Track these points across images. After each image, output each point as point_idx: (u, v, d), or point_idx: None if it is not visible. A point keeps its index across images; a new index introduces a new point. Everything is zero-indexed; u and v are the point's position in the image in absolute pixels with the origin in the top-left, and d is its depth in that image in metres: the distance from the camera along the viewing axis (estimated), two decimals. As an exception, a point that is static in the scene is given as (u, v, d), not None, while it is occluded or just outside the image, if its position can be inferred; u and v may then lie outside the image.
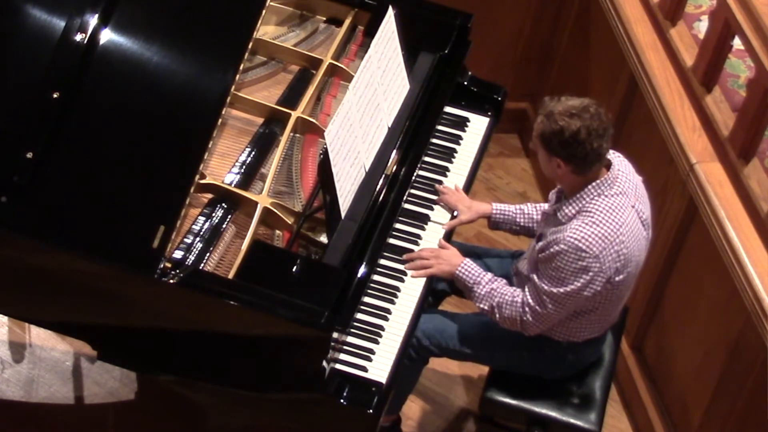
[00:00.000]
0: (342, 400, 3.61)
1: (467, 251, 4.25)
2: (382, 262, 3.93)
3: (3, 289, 3.82)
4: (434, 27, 4.34)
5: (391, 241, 3.99)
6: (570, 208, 3.79)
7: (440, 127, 4.32)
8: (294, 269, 3.64)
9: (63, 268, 3.66)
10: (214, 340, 3.67)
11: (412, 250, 3.99)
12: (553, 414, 4.08)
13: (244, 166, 3.95)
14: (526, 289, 3.86)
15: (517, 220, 4.16)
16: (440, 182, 4.19)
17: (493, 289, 3.92)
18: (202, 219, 3.80)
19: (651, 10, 4.68)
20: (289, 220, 3.86)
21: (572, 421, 4.08)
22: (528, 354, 4.05)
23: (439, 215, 4.12)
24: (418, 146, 4.14)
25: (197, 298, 3.58)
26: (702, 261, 4.30)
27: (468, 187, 4.23)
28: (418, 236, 4.04)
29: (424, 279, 3.94)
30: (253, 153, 3.99)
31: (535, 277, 3.83)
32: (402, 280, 3.92)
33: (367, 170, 3.97)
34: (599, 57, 5.10)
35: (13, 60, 3.72)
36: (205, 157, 3.75)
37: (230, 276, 3.64)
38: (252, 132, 4.06)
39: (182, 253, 3.70)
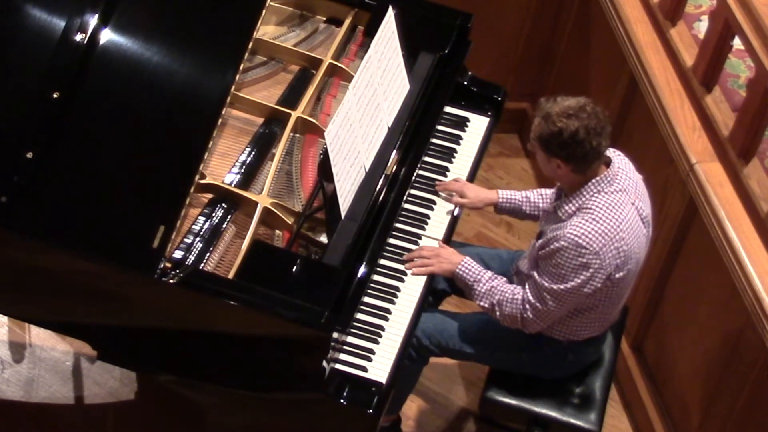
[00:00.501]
0: (342, 400, 3.61)
1: (468, 251, 4.25)
2: (382, 262, 3.93)
3: (3, 289, 3.82)
4: (434, 27, 4.34)
5: (391, 241, 3.99)
6: (570, 205, 3.79)
7: (440, 127, 4.32)
8: (294, 269, 3.64)
9: (63, 268, 3.66)
10: (214, 340, 3.67)
11: (412, 251, 3.99)
12: (553, 414, 4.08)
13: (244, 166, 3.95)
14: (527, 286, 3.87)
15: (523, 208, 4.18)
16: (440, 182, 4.20)
17: (494, 287, 3.92)
18: (202, 219, 3.80)
19: (651, 10, 4.68)
20: (289, 220, 3.86)
21: (572, 421, 4.08)
22: (528, 354, 4.05)
23: (439, 215, 4.12)
24: (418, 146, 4.14)
25: (197, 298, 3.58)
26: (702, 261, 4.30)
27: (468, 187, 4.24)
28: (418, 236, 4.04)
29: (424, 279, 3.94)
30: (253, 153, 3.99)
31: (535, 273, 3.83)
32: (402, 280, 3.92)
33: (367, 170, 3.97)
34: (599, 57, 5.10)
35: (13, 60, 3.72)
36: (205, 157, 3.75)
37: (230, 276, 3.64)
38: (252, 132, 4.06)
39: (182, 253, 3.70)
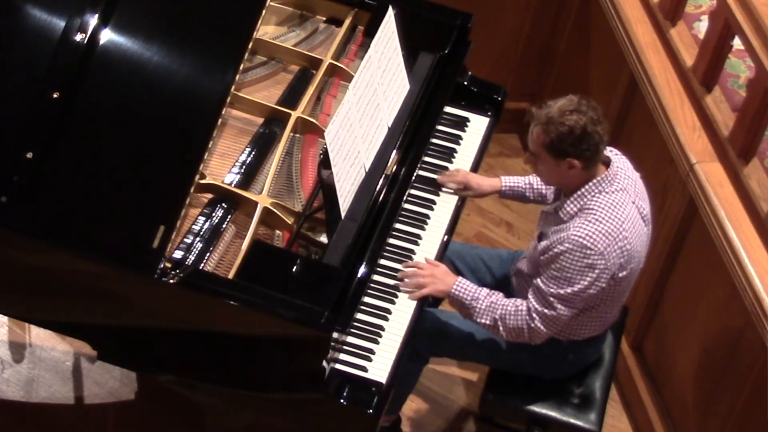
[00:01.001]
0: (342, 400, 3.61)
1: (467, 251, 4.26)
2: (382, 262, 3.93)
3: (3, 289, 3.82)
4: (434, 27, 4.34)
5: (391, 241, 3.99)
6: (571, 206, 3.79)
7: (440, 127, 4.32)
8: (294, 269, 3.64)
9: (63, 268, 3.66)
10: (214, 340, 3.67)
11: (412, 250, 3.99)
12: (553, 414, 4.08)
13: (244, 166, 3.95)
14: (530, 296, 3.84)
15: (526, 194, 4.20)
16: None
17: (494, 302, 3.89)
18: (202, 219, 3.80)
19: (651, 10, 4.68)
20: (289, 220, 3.86)
21: (572, 421, 4.08)
22: (528, 354, 4.05)
23: (440, 215, 4.12)
24: (418, 146, 4.14)
25: (197, 298, 3.58)
26: (702, 261, 4.30)
27: (468, 187, 4.24)
28: (418, 236, 4.04)
29: (424, 279, 3.94)
30: (253, 153, 3.99)
31: (539, 280, 3.81)
32: (402, 280, 3.92)
33: (367, 170, 3.97)
34: (599, 57, 5.10)
35: (13, 60, 3.72)
36: (205, 157, 3.75)
37: (230, 276, 3.64)
38: (252, 132, 4.06)
39: (182, 253, 3.70)
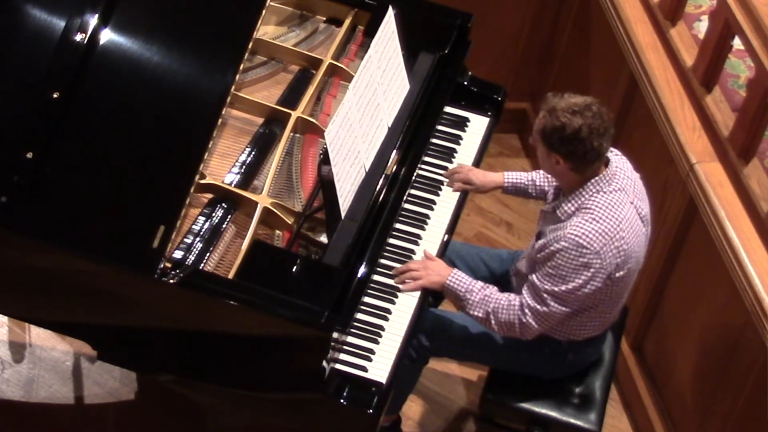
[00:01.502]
0: (342, 400, 3.61)
1: (467, 251, 4.26)
2: (382, 262, 3.93)
3: (3, 289, 3.82)
4: (434, 27, 4.34)
5: (391, 241, 3.99)
6: (569, 205, 3.79)
7: (440, 127, 4.32)
8: (294, 269, 3.64)
9: (63, 268, 3.66)
10: (214, 340, 3.67)
11: (412, 250, 3.99)
12: (553, 414, 4.08)
13: (244, 166, 3.95)
14: (524, 291, 3.85)
15: (529, 190, 4.21)
16: (441, 182, 4.19)
17: (487, 296, 3.90)
18: (202, 219, 3.80)
19: (651, 10, 4.68)
20: (289, 220, 3.86)
21: (572, 421, 4.08)
22: (528, 354, 4.05)
23: (440, 215, 4.12)
24: (418, 146, 4.14)
25: (197, 298, 3.58)
26: (702, 261, 4.30)
27: (468, 187, 4.24)
28: (418, 236, 4.04)
29: (424, 279, 3.94)
30: (253, 153, 3.99)
31: (534, 277, 3.82)
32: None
33: (367, 170, 3.97)
34: (599, 57, 5.10)
35: (13, 60, 3.72)
36: (205, 157, 3.75)
37: (230, 276, 3.64)
38: (252, 132, 4.06)
39: (182, 253, 3.70)
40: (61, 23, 3.73)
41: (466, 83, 4.41)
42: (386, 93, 4.07)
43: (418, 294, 3.90)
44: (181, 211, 3.65)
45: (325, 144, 3.75)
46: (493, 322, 3.88)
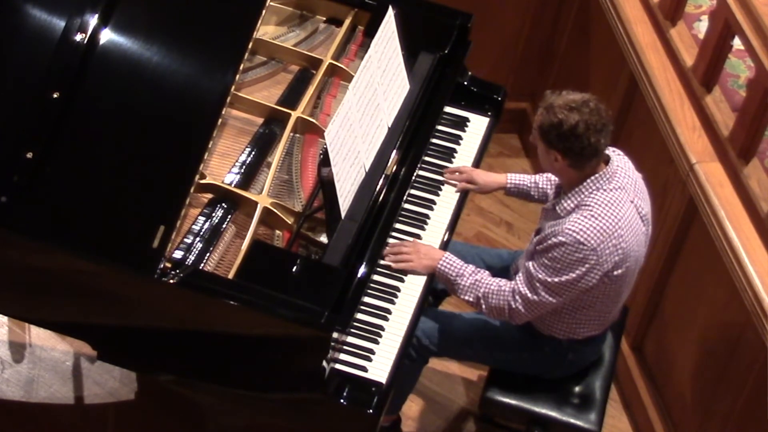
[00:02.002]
0: (342, 400, 3.61)
1: (467, 251, 4.26)
2: (382, 262, 3.93)
3: (3, 289, 3.82)
4: (434, 27, 4.34)
5: (392, 241, 3.99)
6: (569, 202, 3.80)
7: (440, 127, 4.32)
8: (294, 269, 3.64)
9: (63, 268, 3.66)
10: (214, 340, 3.67)
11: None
12: (553, 414, 4.08)
13: (244, 166, 3.95)
14: (518, 277, 3.86)
15: (531, 193, 4.21)
16: (441, 182, 4.19)
17: (478, 280, 3.91)
18: (202, 219, 3.80)
19: (651, 10, 4.68)
20: (289, 220, 3.86)
21: (572, 421, 4.08)
22: (528, 354, 4.05)
23: (440, 215, 4.12)
24: (418, 146, 4.14)
25: (197, 298, 3.58)
26: (702, 261, 4.30)
27: (468, 187, 4.24)
28: (418, 236, 4.04)
29: (424, 278, 3.93)
30: (253, 153, 3.99)
31: (529, 264, 3.82)
32: (402, 280, 3.92)
33: (367, 170, 3.97)
34: (599, 57, 5.10)
35: (13, 60, 3.72)
36: (205, 157, 3.75)
37: (230, 276, 3.64)
38: (252, 132, 4.06)
39: (182, 253, 3.71)
40: (61, 23, 3.73)
41: (466, 83, 4.41)
42: (386, 93, 4.07)
43: (418, 294, 3.90)
44: (181, 211, 3.65)
45: (325, 144, 3.75)
46: (483, 306, 3.89)
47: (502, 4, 5.24)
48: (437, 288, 4.25)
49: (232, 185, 3.88)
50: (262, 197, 3.83)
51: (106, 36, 3.76)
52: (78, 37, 3.72)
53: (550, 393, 4.10)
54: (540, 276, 3.79)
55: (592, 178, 3.77)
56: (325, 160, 3.76)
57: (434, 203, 4.14)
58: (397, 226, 4.04)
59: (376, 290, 3.87)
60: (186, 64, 3.79)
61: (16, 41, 3.72)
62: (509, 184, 4.21)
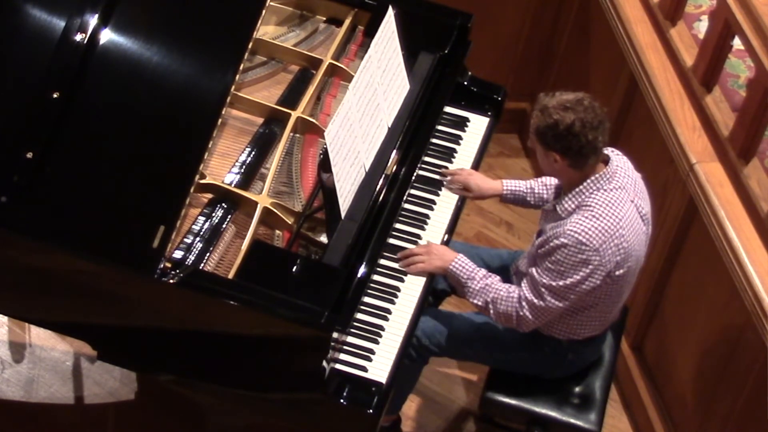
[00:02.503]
0: (342, 400, 3.61)
1: (467, 251, 4.25)
2: (382, 262, 3.93)
3: (3, 289, 3.82)
4: (434, 27, 4.34)
5: (391, 241, 3.99)
6: (569, 203, 3.80)
7: (440, 127, 4.32)
8: (294, 269, 3.64)
9: (63, 268, 3.66)
10: (214, 340, 3.67)
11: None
12: (553, 414, 4.08)
13: (244, 166, 3.95)
14: (523, 284, 3.86)
15: (527, 198, 4.19)
16: (441, 182, 4.19)
17: (488, 285, 3.91)
18: (202, 219, 3.80)
19: (651, 10, 4.68)
20: (289, 220, 3.86)
21: (572, 421, 4.08)
22: (528, 354, 4.05)
23: (440, 215, 4.12)
24: (418, 146, 4.14)
25: (197, 298, 3.58)
26: (702, 261, 4.30)
27: (468, 187, 4.24)
28: (418, 236, 4.04)
29: (424, 278, 3.94)
30: (253, 153, 3.99)
31: (533, 270, 3.83)
32: (402, 280, 3.92)
33: (367, 170, 3.97)
34: (599, 57, 5.10)
35: (13, 60, 3.72)
36: (205, 157, 3.75)
37: (230, 276, 3.64)
38: (252, 132, 4.06)
39: (182, 253, 3.70)
40: (61, 23, 3.73)
41: (466, 83, 4.41)
42: (386, 93, 4.07)
43: (418, 294, 3.90)
44: (181, 211, 3.65)
45: (325, 144, 3.75)
46: (491, 311, 3.90)
47: (502, 4, 5.24)
48: (437, 288, 4.25)
49: (232, 185, 3.88)
50: (262, 197, 3.83)
51: (106, 36, 3.76)
52: (78, 37, 3.72)
53: (550, 393, 4.10)
54: (544, 281, 3.79)
55: (592, 178, 3.77)
56: (325, 165, 3.76)
57: (434, 203, 4.14)
58: (397, 226, 4.04)
59: (376, 290, 3.87)
60: (186, 64, 3.79)
61: (16, 41, 3.73)
62: (505, 190, 4.19)
